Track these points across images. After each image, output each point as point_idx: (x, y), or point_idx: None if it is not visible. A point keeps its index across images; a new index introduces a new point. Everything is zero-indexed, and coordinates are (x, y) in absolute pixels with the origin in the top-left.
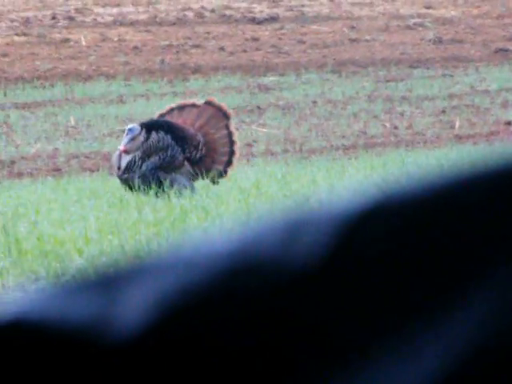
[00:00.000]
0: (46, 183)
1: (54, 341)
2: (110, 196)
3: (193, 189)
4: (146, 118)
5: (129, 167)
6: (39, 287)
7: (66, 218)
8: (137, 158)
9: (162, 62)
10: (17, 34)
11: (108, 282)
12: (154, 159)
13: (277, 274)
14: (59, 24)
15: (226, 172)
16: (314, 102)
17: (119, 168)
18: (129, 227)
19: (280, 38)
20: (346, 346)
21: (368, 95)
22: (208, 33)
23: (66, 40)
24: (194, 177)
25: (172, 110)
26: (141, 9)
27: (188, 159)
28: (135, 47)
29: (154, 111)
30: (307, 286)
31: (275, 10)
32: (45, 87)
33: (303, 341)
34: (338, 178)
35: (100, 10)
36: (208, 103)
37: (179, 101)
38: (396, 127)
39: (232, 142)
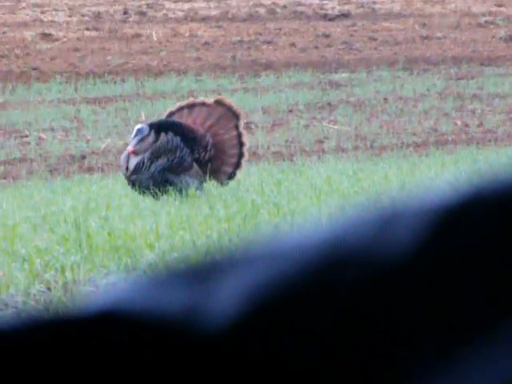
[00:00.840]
0: (116, 178)
1: (145, 332)
2: None
3: (201, 191)
4: None
5: (137, 168)
6: (110, 282)
7: (137, 213)
8: (145, 160)
9: (234, 57)
10: (88, 29)
11: (200, 273)
12: (163, 161)
13: (368, 268)
14: (130, 19)
15: (234, 174)
16: (385, 99)
17: (127, 169)
18: (200, 222)
19: (351, 35)
20: (431, 344)
21: (439, 93)
22: (279, 29)
23: (138, 35)
24: (203, 178)
25: (182, 108)
26: (212, 4)
27: (197, 160)
28: (206, 43)
29: None
30: (399, 280)
31: (347, 7)
32: (116, 82)
33: (391, 337)
34: (409, 176)
35: (171, 5)
36: (218, 102)
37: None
38: (467, 125)
39: (241, 144)
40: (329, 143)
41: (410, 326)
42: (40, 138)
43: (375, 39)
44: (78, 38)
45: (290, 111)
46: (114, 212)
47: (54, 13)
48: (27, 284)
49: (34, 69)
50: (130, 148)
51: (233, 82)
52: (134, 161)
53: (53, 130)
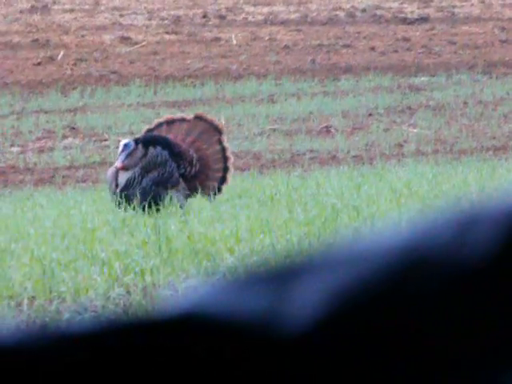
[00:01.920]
0: None
1: (225, 334)
2: (260, 195)
3: (184, 207)
4: (296, 118)
5: (128, 184)
6: (189, 285)
7: (217, 217)
8: (136, 174)
9: (313, 61)
10: (167, 33)
11: (279, 277)
12: (153, 175)
13: (447, 269)
14: (210, 23)
15: (220, 189)
16: (465, 103)
17: (117, 185)
18: (279, 226)
19: (431, 39)
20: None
21: None
22: (359, 33)
23: (217, 39)
24: (188, 194)
25: (160, 124)
26: (292, 8)
27: (182, 175)
28: (286, 46)
29: (304, 111)
30: (477, 282)
31: (426, 11)
32: (195, 86)
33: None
34: (489, 179)
35: (251, 8)
36: (198, 118)
37: (169, 115)
38: None
39: (226, 158)
40: (408, 147)
41: (485, 328)
42: (119, 141)
43: (454, 43)
44: (158, 42)
45: (370, 115)
46: (193, 215)
47: (133, 16)
48: (107, 288)
49: (113, 72)
50: (118, 164)
51: (312, 86)
52: (124, 176)
53: (132, 133)
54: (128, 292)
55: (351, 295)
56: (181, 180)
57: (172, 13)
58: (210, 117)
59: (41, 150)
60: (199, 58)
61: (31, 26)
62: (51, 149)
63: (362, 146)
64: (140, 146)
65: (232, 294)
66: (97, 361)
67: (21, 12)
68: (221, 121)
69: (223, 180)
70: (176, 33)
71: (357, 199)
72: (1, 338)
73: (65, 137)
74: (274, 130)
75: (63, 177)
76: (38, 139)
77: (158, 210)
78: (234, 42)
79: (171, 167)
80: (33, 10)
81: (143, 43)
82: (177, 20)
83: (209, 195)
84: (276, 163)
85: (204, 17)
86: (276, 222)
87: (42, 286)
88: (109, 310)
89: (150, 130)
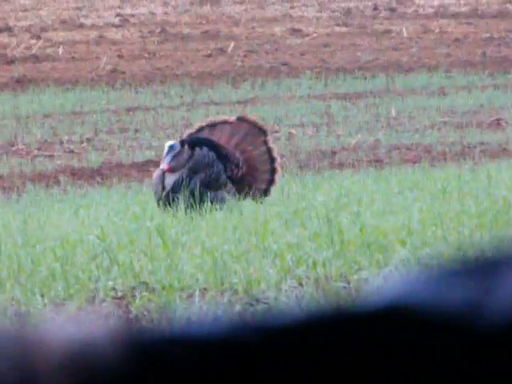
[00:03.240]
0: (367, 174)
1: (431, 325)
2: (432, 187)
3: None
4: (466, 111)
5: (176, 186)
6: (361, 277)
7: (389, 209)
8: (184, 176)
9: (484, 54)
10: (338, 25)
11: (480, 270)
12: (201, 176)
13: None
14: (380, 15)
15: (268, 191)
16: None
17: (164, 188)
18: (451, 218)
19: None
20: None
21: None
22: None
23: (388, 31)
24: (236, 196)
25: (202, 128)
26: (462, 1)
27: (229, 178)
28: (457, 39)
29: (475, 103)
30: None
31: None
32: (366, 78)
33: None
34: None
35: (421, 1)
36: (241, 119)
37: (215, 116)
38: None
39: (272, 159)
40: None
41: None
42: (290, 133)
43: None
44: (328, 34)
45: None
46: (365, 208)
47: (303, 8)
48: (279, 279)
49: (284, 64)
50: (164, 166)
51: (483, 79)
52: (171, 178)
53: (303, 125)
54: (300, 284)
55: None
56: (228, 181)
57: (342, 5)
58: (253, 118)
59: None
60: (370, 50)
61: (201, 18)
62: None
63: None
64: (186, 148)
65: (435, 285)
66: (302, 353)
67: (191, 3)
68: (391, 113)
69: (271, 181)
70: (346, 25)
71: None
72: (212, 330)
73: None
74: (445, 122)
75: None
76: None
77: (200, 210)
78: (405, 34)
79: (218, 168)
80: (203, 1)
81: (314, 35)
82: (347, 12)
83: (257, 197)
84: (447, 156)
85: (375, 9)
86: (448, 214)
87: (214, 278)
88: (281, 302)
89: (191, 134)
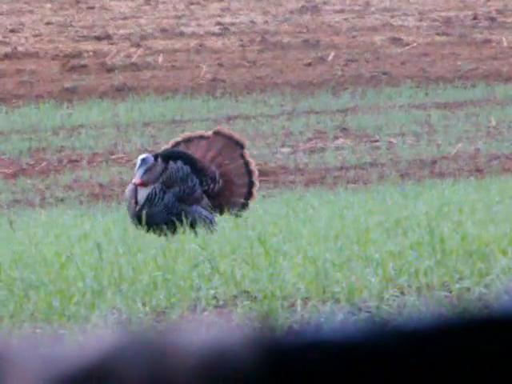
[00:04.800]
0: (468, 183)
1: None
2: None
3: (214, 223)
4: None
5: (149, 200)
6: (463, 286)
7: (490, 218)
8: (157, 190)
9: None
10: (438, 34)
11: None
12: (175, 190)
13: None
14: (480, 24)
15: (246, 205)
16: None
17: (137, 203)
18: None
19: None
20: None
21: None
22: None
23: (487, 40)
24: (213, 211)
25: (178, 143)
26: None
27: (205, 192)
28: None
29: None
30: None
31: None
32: (466, 87)
33: None
34: None
35: None
36: (217, 133)
37: (185, 133)
38: None
39: (250, 172)
40: None
41: None
42: (390, 142)
43: None
44: (428, 43)
45: None
46: (466, 217)
47: (403, 17)
48: (380, 288)
49: (384, 73)
50: (136, 180)
51: None
52: (143, 193)
53: (403, 134)
54: (402, 293)
55: None
56: (204, 196)
57: (442, 14)
58: (229, 131)
59: (312, 151)
60: (470, 60)
61: (301, 27)
62: (322, 149)
63: None
64: (160, 161)
65: None
66: (438, 357)
67: (291, 12)
68: (491, 122)
69: (249, 195)
70: (447, 34)
71: None
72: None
73: (336, 137)
74: None
75: (334, 177)
76: (309, 140)
77: (174, 229)
78: (505, 43)
79: (193, 182)
80: (303, 10)
81: (414, 44)
82: (447, 21)
83: (235, 211)
84: None
85: (474, 18)
86: None
87: (316, 287)
88: (383, 311)
89: (167, 150)
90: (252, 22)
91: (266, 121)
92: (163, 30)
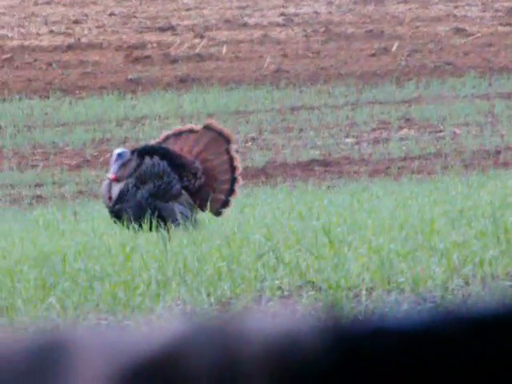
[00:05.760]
0: None
1: None
2: None
3: (195, 220)
4: None
5: (122, 196)
6: None
7: None
8: (130, 186)
9: None
10: (501, 24)
11: None
12: (149, 186)
13: None
14: None
15: (228, 202)
16: None
17: (110, 198)
18: None
19: None
20: None
21: None
22: None
23: None
24: (193, 207)
25: (168, 137)
26: None
27: (186, 188)
28: None
29: None
30: None
31: None
32: None
33: None
34: None
35: None
36: (207, 127)
37: (176, 127)
38: None
39: (233, 169)
40: None
41: None
42: (454, 132)
43: None
44: (492, 33)
45: None
46: None
47: (467, 8)
48: (445, 278)
49: (448, 64)
50: (110, 175)
51: None
52: (117, 188)
53: (467, 124)
54: (466, 283)
55: None
56: (184, 192)
57: (505, 4)
58: (219, 126)
59: (376, 141)
60: None
61: (365, 17)
62: (386, 140)
63: None
64: (135, 156)
65: None
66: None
67: (355, 3)
68: None
69: (231, 192)
70: (510, 24)
71: None
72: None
73: (400, 128)
74: None
75: (398, 168)
76: (373, 130)
77: (151, 225)
78: None
79: (170, 178)
80: (367, 0)
81: (477, 35)
82: (510, 11)
83: (216, 208)
84: None
85: None
86: None
87: (380, 277)
88: (447, 301)
89: (158, 144)
90: (316, 12)
91: (330, 111)
92: (227, 21)
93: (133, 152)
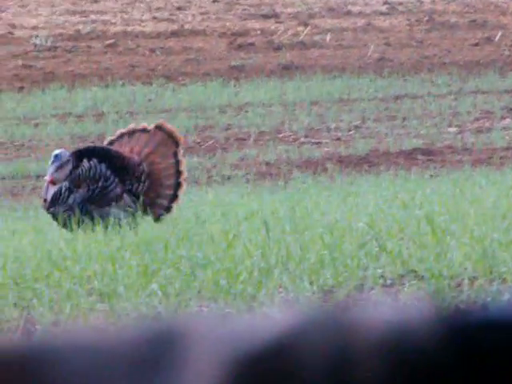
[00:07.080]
0: None
1: None
2: None
3: (131, 224)
4: None
5: (54, 199)
6: None
7: None
8: (63, 190)
9: None
10: None
11: None
12: (83, 191)
13: None
14: None
15: (170, 209)
16: None
17: (45, 200)
18: None
19: None
20: None
21: None
22: None
23: None
24: (135, 211)
25: (122, 135)
26: None
27: (129, 192)
28: None
29: None
30: None
31: None
32: None
33: None
34: None
35: None
36: (158, 128)
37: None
38: None
39: (179, 173)
40: None
41: None
42: None
43: None
44: None
45: None
46: None
47: None
48: None
49: None
50: (47, 177)
51: None
52: (51, 191)
53: None
54: None
55: None
56: (125, 196)
57: None
58: (170, 127)
59: (479, 131)
60: None
61: (469, 7)
62: (489, 129)
63: None
64: (73, 158)
65: None
66: None
67: None
68: None
69: (174, 197)
70: None
71: None
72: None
73: (503, 118)
74: None
75: (501, 157)
76: (476, 120)
77: (92, 228)
78: None
79: (108, 182)
80: None
81: None
82: None
83: (158, 214)
84: None
85: None
86: None
87: (483, 267)
88: None
89: (111, 142)
90: (419, 1)
91: (434, 100)
92: (330, 9)
93: (72, 153)
